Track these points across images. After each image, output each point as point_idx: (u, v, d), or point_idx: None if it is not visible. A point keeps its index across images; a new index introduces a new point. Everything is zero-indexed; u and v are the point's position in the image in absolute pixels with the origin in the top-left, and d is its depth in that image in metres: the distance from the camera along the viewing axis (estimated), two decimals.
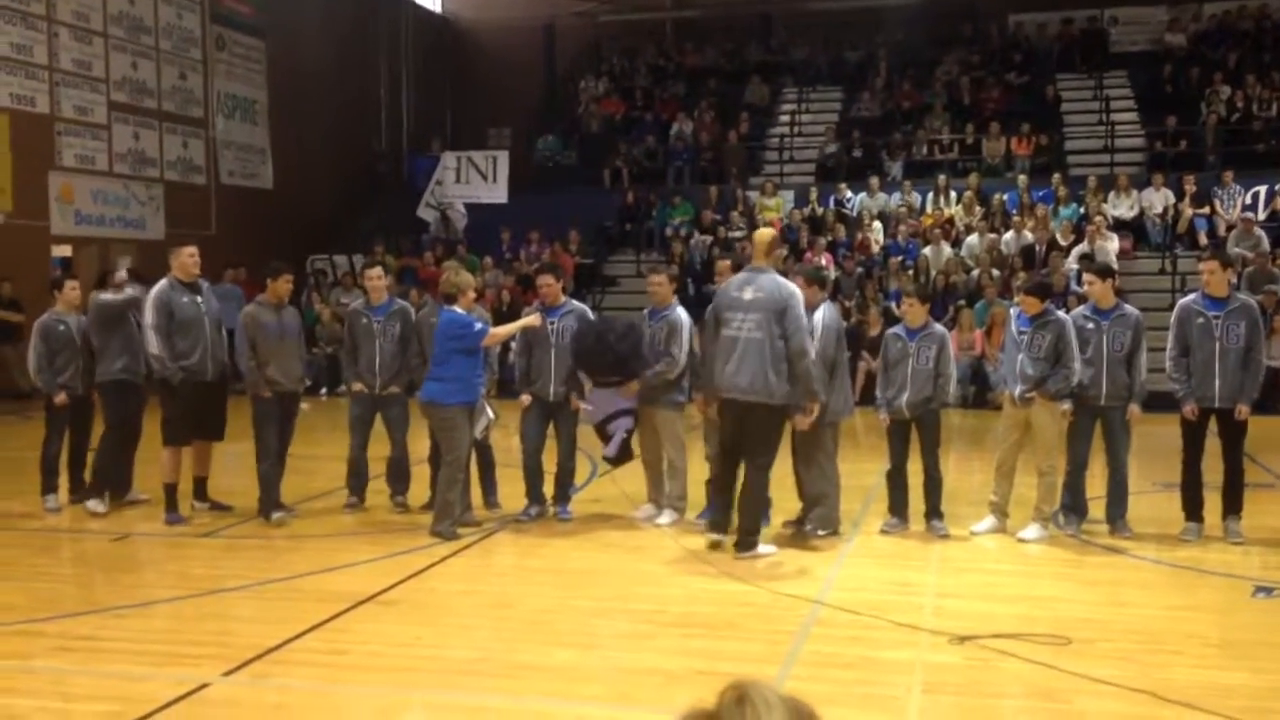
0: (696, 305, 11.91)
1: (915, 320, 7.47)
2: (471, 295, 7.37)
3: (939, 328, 7.54)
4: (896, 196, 19.11)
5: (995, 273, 16.40)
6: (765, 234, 6.94)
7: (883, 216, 18.69)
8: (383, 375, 8.04)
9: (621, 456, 7.72)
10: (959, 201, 18.71)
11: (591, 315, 8.00)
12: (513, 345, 8.07)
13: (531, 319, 7.60)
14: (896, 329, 7.63)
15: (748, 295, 6.60)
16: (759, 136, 21.82)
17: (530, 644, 5.02)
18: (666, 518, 7.72)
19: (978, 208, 18.40)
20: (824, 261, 16.98)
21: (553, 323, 7.72)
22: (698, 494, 7.88)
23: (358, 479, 8.19)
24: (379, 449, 8.27)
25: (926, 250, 17.37)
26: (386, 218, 20.13)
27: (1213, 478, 7.26)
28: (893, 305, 15.37)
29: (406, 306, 8.33)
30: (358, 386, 8.11)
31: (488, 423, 7.51)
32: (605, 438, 7.68)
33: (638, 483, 8.16)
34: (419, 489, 8.20)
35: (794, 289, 6.56)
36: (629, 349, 7.47)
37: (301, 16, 21.40)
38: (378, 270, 8.25)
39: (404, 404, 8.14)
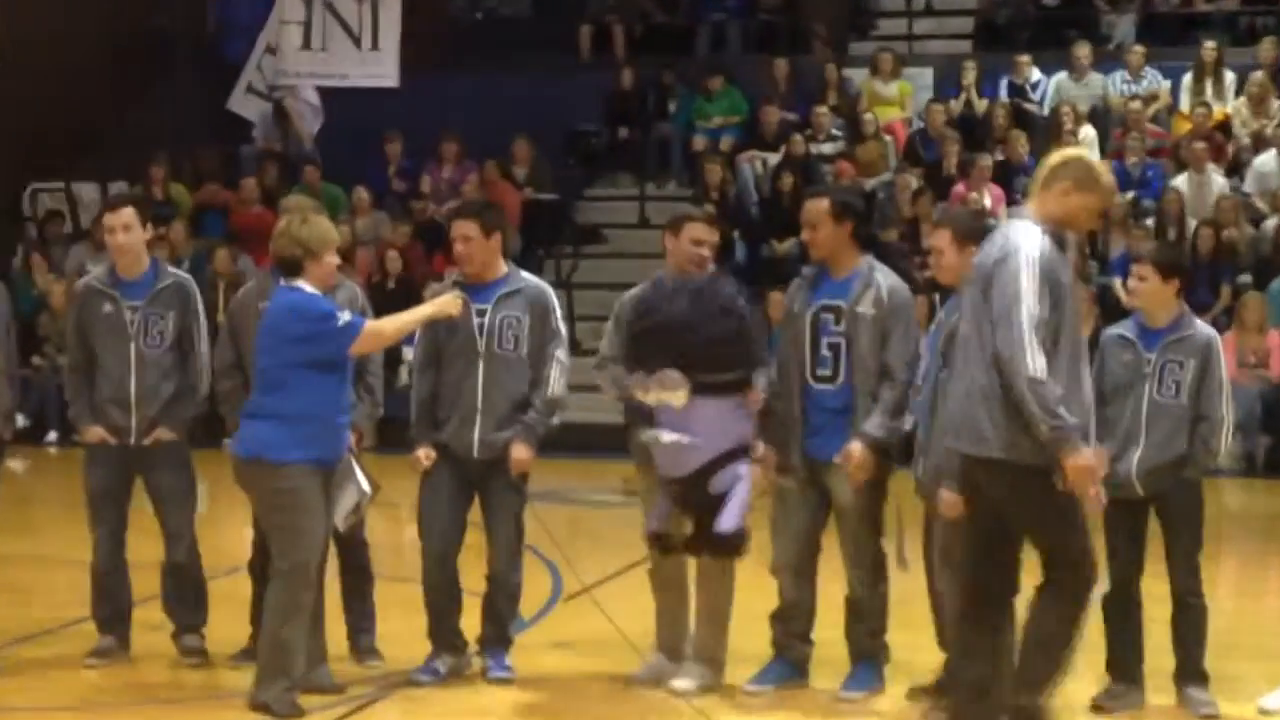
0: (749, 277, 11.86)
1: (1157, 311, 7.46)
2: (332, 260, 7.32)
3: (1202, 327, 7.52)
4: (1121, 79, 19.14)
5: None
6: (1057, 155, 6.85)
7: (1097, 117, 18.69)
8: (142, 409, 8.02)
9: (740, 538, 7.46)
10: (1239, 93, 18.72)
11: (551, 294, 7.99)
12: (407, 354, 8.09)
13: (444, 303, 7.57)
14: (1121, 327, 7.63)
15: (980, 258, 6.65)
16: None
17: None
18: (689, 680, 7.70)
19: (1275, 103, 18.44)
20: (988, 201, 17.00)
21: (483, 310, 7.73)
22: (747, 641, 7.83)
23: (110, 602, 8.18)
24: (149, 548, 8.25)
25: (1179, 180, 17.39)
26: (172, 116, 20.13)
27: None
28: (1115, 282, 15.37)
29: (186, 282, 8.26)
30: (95, 432, 8.10)
31: (359, 500, 7.49)
32: (709, 502, 7.44)
33: (637, 609, 8.12)
34: (228, 620, 8.17)
35: (1020, 240, 6.37)
36: (738, 331, 7.41)
37: None
38: (127, 214, 8.12)
39: (183, 463, 8.15)
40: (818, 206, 7.67)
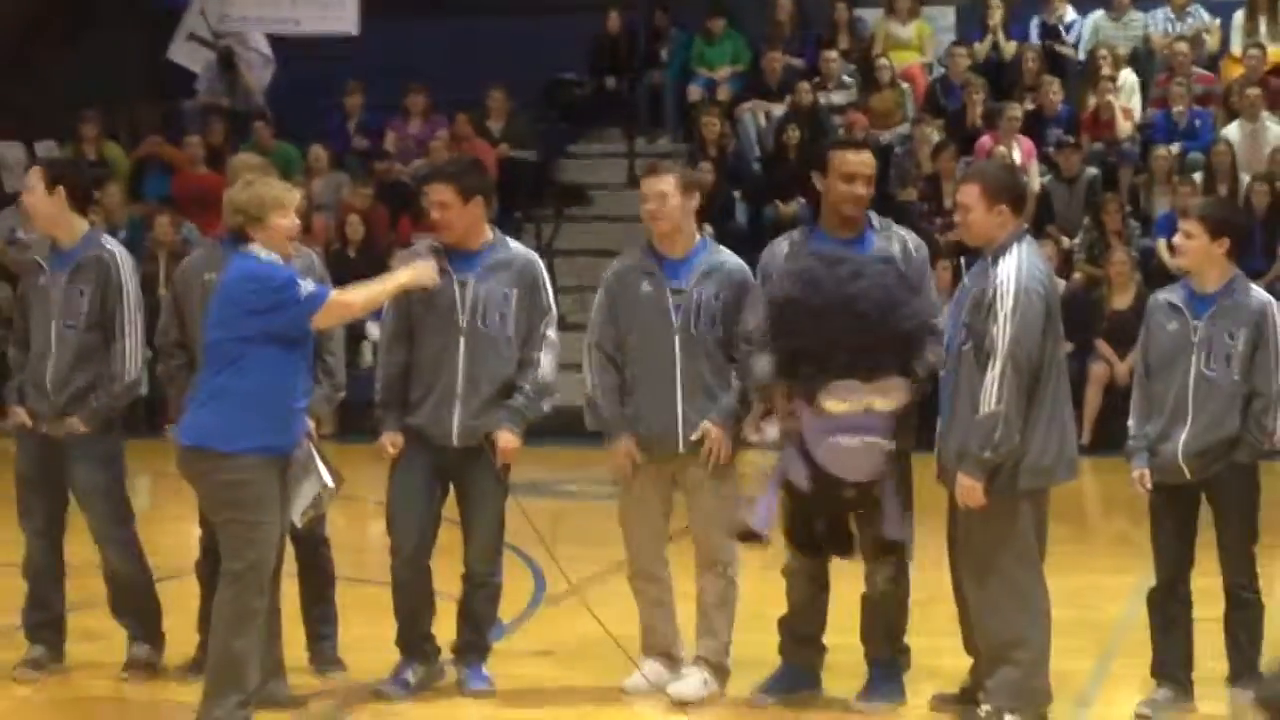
0: (752, 243, 11.75)
1: (1206, 273, 7.46)
2: (290, 224, 7.28)
3: (1257, 293, 7.50)
4: (1164, 17, 19.12)
5: None
6: None
7: (1139, 60, 18.69)
8: (56, 392, 8.04)
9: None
10: None
11: (541, 266, 7.99)
12: (372, 331, 8.08)
13: (419, 271, 7.57)
14: (1169, 292, 7.63)
15: None
16: None
17: None
18: (693, 684, 7.70)
19: None
20: (1018, 155, 16.99)
21: (465, 282, 7.73)
22: (752, 646, 7.82)
23: (39, 607, 8.21)
24: (87, 548, 8.20)
25: (1230, 130, 17.37)
26: (104, 67, 20.05)
27: None
28: (1160, 244, 15.38)
29: (109, 255, 8.12)
30: (17, 413, 8.15)
31: (319, 493, 7.47)
32: (874, 504, 7.42)
33: (629, 612, 8.07)
34: (173, 629, 8.10)
35: None
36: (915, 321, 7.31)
37: None
38: (34, 175, 8.18)
39: (102, 459, 8.11)
40: (870, 160, 7.60)
